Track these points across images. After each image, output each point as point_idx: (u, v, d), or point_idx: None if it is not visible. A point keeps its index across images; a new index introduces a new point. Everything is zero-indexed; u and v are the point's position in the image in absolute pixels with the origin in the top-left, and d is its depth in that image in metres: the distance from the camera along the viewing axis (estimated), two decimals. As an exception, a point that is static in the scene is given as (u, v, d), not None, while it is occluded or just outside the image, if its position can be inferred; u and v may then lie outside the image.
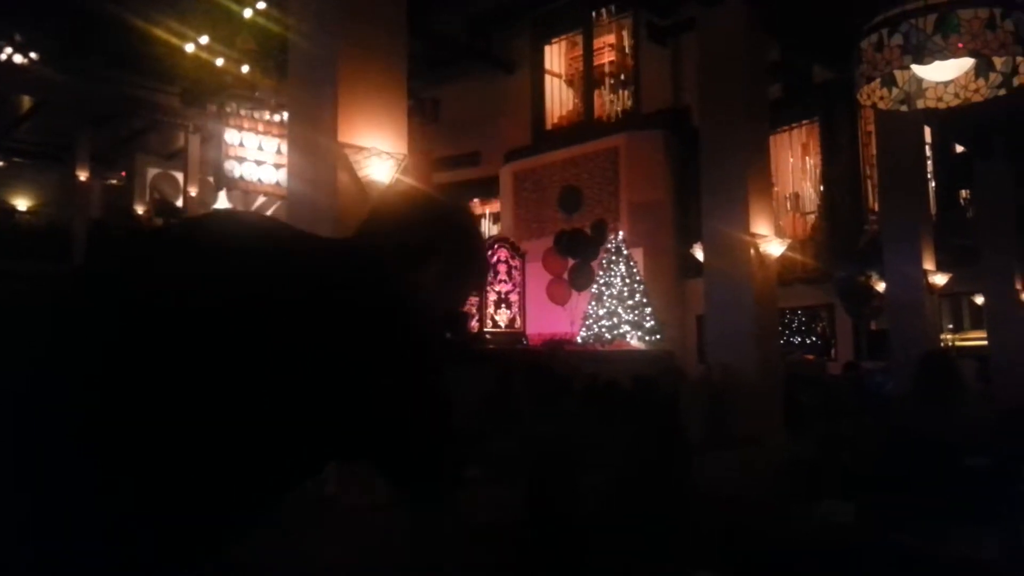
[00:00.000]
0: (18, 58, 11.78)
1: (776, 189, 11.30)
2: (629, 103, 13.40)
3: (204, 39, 10.60)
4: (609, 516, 3.78)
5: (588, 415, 4.85)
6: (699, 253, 6.65)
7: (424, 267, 1.32)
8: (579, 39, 14.10)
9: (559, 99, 14.54)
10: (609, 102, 13.75)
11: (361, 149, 3.78)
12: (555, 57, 14.61)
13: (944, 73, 3.41)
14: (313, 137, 3.98)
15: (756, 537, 3.68)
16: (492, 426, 4.83)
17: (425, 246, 1.33)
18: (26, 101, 14.07)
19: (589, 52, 13.85)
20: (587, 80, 13.88)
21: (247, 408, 0.99)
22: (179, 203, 15.18)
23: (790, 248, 7.38)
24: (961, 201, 11.82)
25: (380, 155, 3.74)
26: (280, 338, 1.02)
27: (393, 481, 1.16)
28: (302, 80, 4.13)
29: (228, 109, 12.58)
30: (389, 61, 4.09)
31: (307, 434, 1.04)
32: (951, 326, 12.10)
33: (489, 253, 9.95)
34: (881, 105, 3.73)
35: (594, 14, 13.49)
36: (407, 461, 1.13)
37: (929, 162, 10.70)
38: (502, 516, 3.52)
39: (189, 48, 10.71)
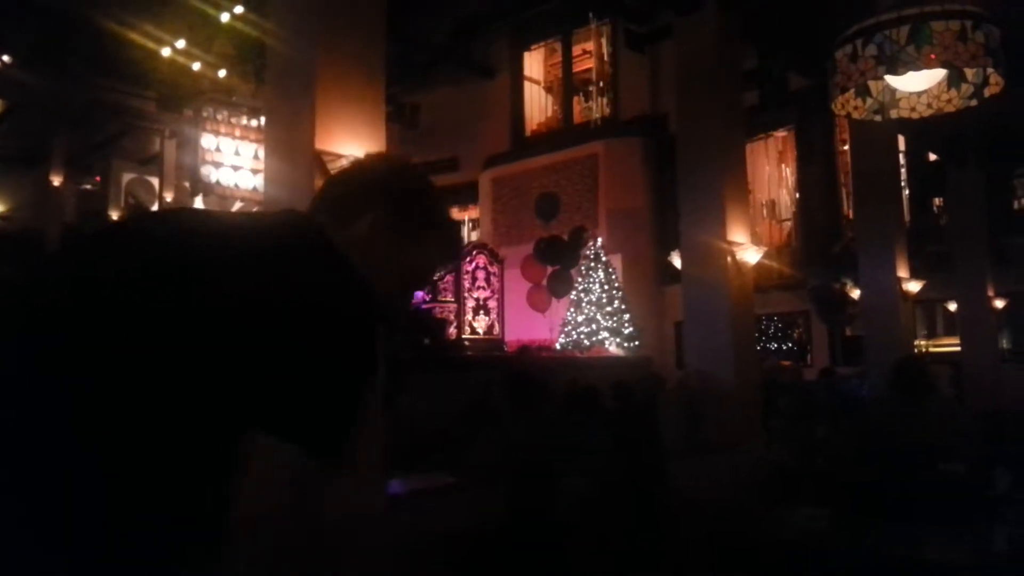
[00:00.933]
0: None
1: (752, 196, 11.39)
2: (608, 110, 13.46)
3: (181, 43, 10.52)
4: (588, 521, 3.79)
5: (567, 421, 4.87)
6: (677, 260, 6.69)
7: (358, 221, 1.24)
8: (558, 46, 14.17)
9: (538, 105, 14.58)
10: (588, 109, 13.80)
11: (339, 156, 3.76)
12: (534, 63, 14.65)
13: (917, 84, 3.47)
14: (290, 143, 3.95)
15: (735, 542, 3.70)
16: (471, 432, 4.83)
17: (357, 198, 1.27)
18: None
19: (568, 59, 13.90)
20: (566, 87, 13.93)
21: (183, 381, 0.99)
22: (155, 208, 15.05)
23: (766, 255, 7.44)
24: (934, 208, 11.99)
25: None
26: (212, 318, 1.01)
27: (295, 439, 1.09)
28: (279, 86, 4.10)
29: (204, 114, 12.50)
30: (368, 67, 4.07)
31: (228, 400, 1.02)
32: (925, 332, 12.26)
33: (467, 259, 9.95)
34: (856, 115, 3.79)
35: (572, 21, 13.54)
36: (312, 421, 1.06)
37: (903, 170, 10.84)
38: (482, 521, 3.52)
39: (165, 52, 10.63)
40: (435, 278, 8.15)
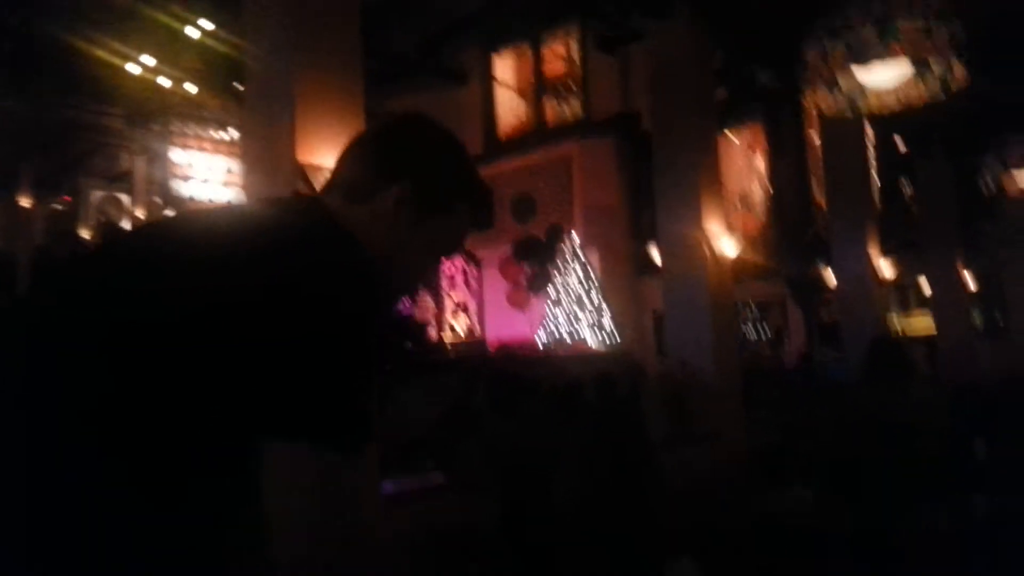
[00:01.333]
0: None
1: (724, 189, 11.53)
2: (579, 111, 13.55)
3: (148, 59, 10.46)
4: (579, 516, 3.86)
5: (551, 419, 4.92)
6: (655, 253, 6.80)
7: (383, 193, 1.15)
8: (528, 49, 14.23)
9: (511, 109, 14.62)
10: (559, 110, 13.89)
11: (320, 168, 3.81)
12: (505, 68, 14.71)
13: (886, 79, 3.59)
14: (271, 158, 3.98)
15: (724, 527, 3.79)
16: (456, 434, 4.88)
17: (379, 171, 1.17)
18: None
19: (538, 62, 13.98)
20: (537, 89, 14.00)
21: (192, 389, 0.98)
22: (126, 226, 14.91)
23: (741, 245, 7.56)
24: (904, 196, 12.22)
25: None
26: (214, 326, 0.98)
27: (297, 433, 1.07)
28: (258, 101, 4.13)
29: (173, 128, 12.41)
30: (345, 79, 4.11)
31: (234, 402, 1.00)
32: (899, 311, 12.41)
33: (445, 262, 9.99)
34: (827, 111, 3.92)
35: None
36: (312, 410, 1.03)
37: (873, 160, 11.05)
38: (474, 520, 3.58)
39: (132, 68, 10.56)
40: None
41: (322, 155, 3.91)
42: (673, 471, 4.61)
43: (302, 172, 3.79)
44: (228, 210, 1.27)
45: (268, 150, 4.03)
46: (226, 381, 0.99)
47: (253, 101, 4.22)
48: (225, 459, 1.04)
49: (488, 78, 14.49)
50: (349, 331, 1.04)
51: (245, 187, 4.32)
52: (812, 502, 3.83)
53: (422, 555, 3.40)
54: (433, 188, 1.18)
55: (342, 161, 1.22)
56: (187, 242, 1.08)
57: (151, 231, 1.23)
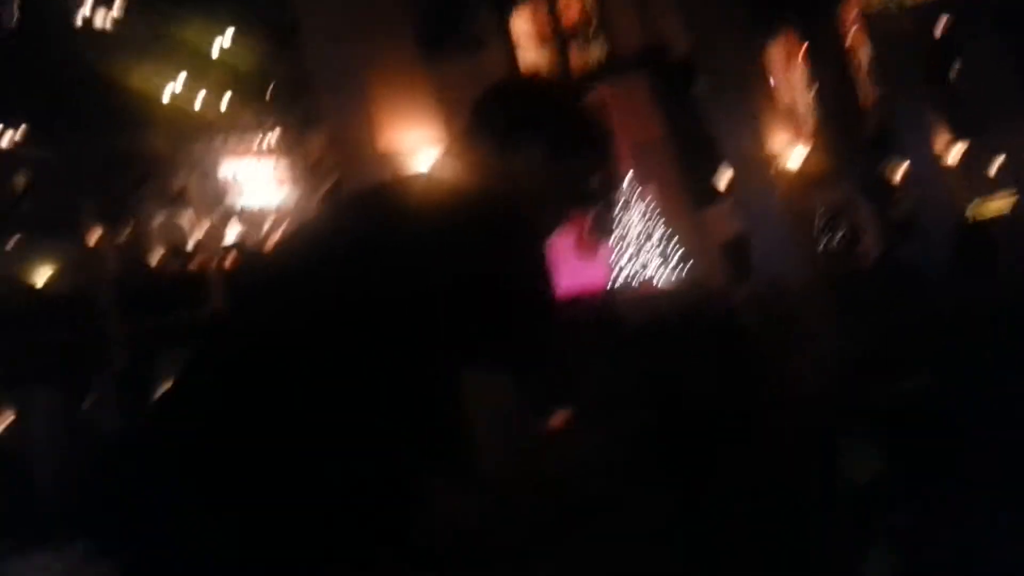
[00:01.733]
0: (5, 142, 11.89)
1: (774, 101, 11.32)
2: (606, 51, 13.40)
3: (179, 81, 10.75)
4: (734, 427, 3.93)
5: (653, 356, 5.02)
6: (722, 181, 6.80)
7: (519, 153, 1.27)
8: (541, 1, 14.06)
9: (535, 65, 14.50)
10: (585, 55, 13.74)
11: (400, 153, 3.94)
12: (523, 24, 14.57)
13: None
14: (352, 151, 4.13)
15: (854, 420, 3.84)
16: (561, 388, 5.00)
17: (518, 132, 1.27)
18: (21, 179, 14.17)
19: (554, 11, 13.82)
20: (559, 39, 13.86)
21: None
22: (190, 245, 15.34)
23: (803, 154, 7.51)
24: (954, 75, 11.85)
25: (423, 151, 3.90)
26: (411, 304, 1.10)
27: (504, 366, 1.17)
28: (331, 100, 4.26)
29: (219, 142, 12.71)
30: (406, 63, 4.24)
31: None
32: (974, 193, 12.07)
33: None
34: (876, 4, 3.90)
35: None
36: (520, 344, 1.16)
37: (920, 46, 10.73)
38: (614, 453, 3.70)
39: (166, 92, 10.87)
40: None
41: (399, 140, 4.04)
42: (785, 379, 4.67)
43: (387, 160, 3.93)
44: (401, 190, 1.35)
45: (348, 144, 4.18)
46: (448, 325, 1.11)
47: (325, 100, 4.36)
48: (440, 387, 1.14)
49: (507, 38, 14.35)
50: (535, 276, 1.19)
51: (332, 185, 4.49)
52: (927, 393, 3.86)
53: (567, 492, 3.52)
54: (565, 139, 1.28)
55: (473, 125, 1.32)
56: (391, 226, 1.19)
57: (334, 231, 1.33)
